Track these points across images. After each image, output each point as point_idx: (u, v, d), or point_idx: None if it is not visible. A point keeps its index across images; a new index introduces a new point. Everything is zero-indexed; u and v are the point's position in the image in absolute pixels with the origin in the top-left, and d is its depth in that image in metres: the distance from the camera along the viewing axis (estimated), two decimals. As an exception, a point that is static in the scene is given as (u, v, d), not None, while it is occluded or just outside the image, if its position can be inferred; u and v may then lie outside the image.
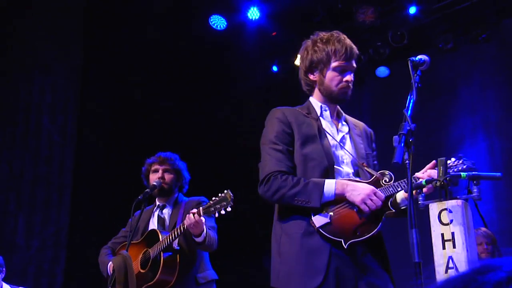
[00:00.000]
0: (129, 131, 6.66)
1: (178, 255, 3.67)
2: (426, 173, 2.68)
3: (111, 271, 3.60)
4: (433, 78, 6.50)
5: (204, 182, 4.62)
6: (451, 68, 6.52)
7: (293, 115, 2.84)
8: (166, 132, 6.61)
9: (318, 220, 2.63)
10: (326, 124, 2.85)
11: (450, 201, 2.41)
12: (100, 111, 6.60)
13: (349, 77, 2.79)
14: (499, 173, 2.58)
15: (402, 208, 2.71)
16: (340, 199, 2.65)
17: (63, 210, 6.51)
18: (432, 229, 2.44)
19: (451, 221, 2.40)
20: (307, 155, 2.73)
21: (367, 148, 2.91)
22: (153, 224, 3.98)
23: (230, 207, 3.40)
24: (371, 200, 2.59)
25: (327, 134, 2.81)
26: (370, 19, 6.21)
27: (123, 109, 6.67)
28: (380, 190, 2.64)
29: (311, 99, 2.91)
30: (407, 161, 2.29)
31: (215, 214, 3.42)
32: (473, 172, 2.46)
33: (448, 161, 2.74)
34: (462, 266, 2.35)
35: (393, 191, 2.67)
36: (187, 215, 3.51)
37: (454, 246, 2.37)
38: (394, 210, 2.63)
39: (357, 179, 2.76)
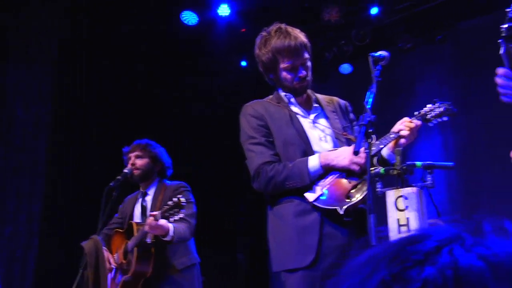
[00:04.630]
0: (103, 122, 6.58)
1: (153, 248, 3.64)
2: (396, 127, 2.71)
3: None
4: (393, 76, 6.60)
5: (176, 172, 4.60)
6: (410, 66, 6.63)
7: (263, 107, 2.83)
8: (139, 123, 6.55)
9: (311, 196, 2.63)
10: (297, 109, 2.84)
11: (405, 188, 2.47)
12: (74, 103, 6.51)
13: (302, 73, 2.75)
14: (452, 163, 2.65)
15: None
16: (327, 170, 2.66)
17: (36, 199, 6.41)
18: (389, 214, 2.50)
19: (407, 207, 2.45)
20: (285, 141, 2.73)
21: (344, 121, 2.90)
22: (137, 212, 3.94)
23: (182, 213, 3.40)
24: (358, 158, 2.58)
25: (300, 118, 2.80)
26: (335, 18, 6.26)
27: (97, 101, 6.59)
28: None
29: (279, 90, 2.89)
30: (367, 151, 2.34)
31: (170, 219, 3.39)
32: (427, 162, 2.53)
33: (425, 108, 2.80)
34: (416, 249, 2.41)
35: (377, 150, 2.68)
36: (147, 219, 3.46)
37: (408, 231, 2.43)
38: (381, 167, 2.57)
39: (337, 148, 2.76)
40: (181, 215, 3.40)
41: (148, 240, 3.56)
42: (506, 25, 1.88)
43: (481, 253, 0.62)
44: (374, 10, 6.25)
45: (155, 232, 3.46)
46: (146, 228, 3.43)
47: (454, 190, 6.07)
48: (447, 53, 6.38)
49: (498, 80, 1.97)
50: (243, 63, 6.98)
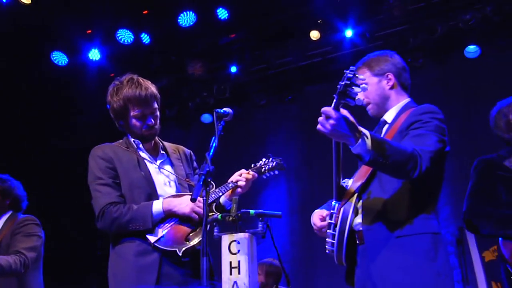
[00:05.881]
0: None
1: None
2: (234, 177, 2.79)
3: None
4: (248, 128, 6.83)
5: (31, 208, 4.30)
6: (263, 121, 6.91)
7: (113, 151, 2.79)
8: (4, 158, 6.05)
9: (152, 238, 2.61)
10: (144, 154, 2.83)
11: (239, 234, 2.53)
12: None
13: (150, 121, 2.77)
14: (280, 212, 2.77)
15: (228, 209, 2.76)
16: (169, 215, 2.66)
17: None
18: (223, 257, 2.53)
19: (239, 251, 2.50)
20: (131, 184, 2.70)
21: (187, 169, 2.93)
22: None
23: None
24: (198, 207, 2.62)
25: (147, 163, 2.79)
26: (198, 72, 6.38)
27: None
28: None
29: (128, 136, 2.88)
30: (204, 198, 2.36)
31: None
32: (259, 210, 2.61)
33: (260, 162, 2.90)
34: (244, 289, 2.45)
35: (215, 197, 2.74)
36: None
37: (239, 273, 2.47)
38: (218, 213, 2.62)
39: (180, 193, 2.77)
40: None
41: None
42: (343, 83, 2.04)
43: None
44: (233, 69, 6.48)
45: None
46: None
47: (295, 234, 6.31)
48: (294, 112, 6.74)
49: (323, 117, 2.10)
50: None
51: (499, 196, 2.87)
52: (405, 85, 2.60)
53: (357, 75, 2.07)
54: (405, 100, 2.57)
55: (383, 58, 2.60)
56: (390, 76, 2.55)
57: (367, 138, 2.10)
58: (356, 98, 2.08)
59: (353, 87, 2.05)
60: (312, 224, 2.59)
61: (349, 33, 5.93)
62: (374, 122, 2.67)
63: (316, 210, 2.64)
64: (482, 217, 2.89)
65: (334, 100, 2.08)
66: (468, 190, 3.01)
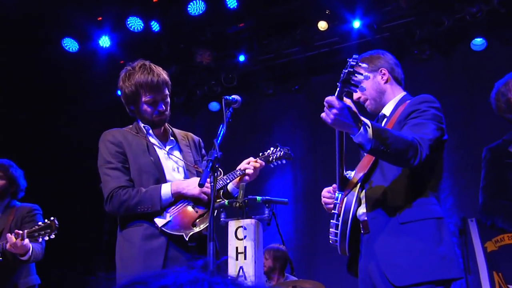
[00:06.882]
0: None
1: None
2: (243, 165, 2.78)
3: None
4: (255, 116, 6.80)
5: (41, 192, 4.29)
6: (270, 110, 6.87)
7: (123, 136, 2.77)
8: (12, 144, 6.05)
9: (160, 221, 2.59)
10: (154, 140, 2.80)
11: (245, 220, 2.51)
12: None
13: (161, 107, 2.73)
14: (286, 199, 2.75)
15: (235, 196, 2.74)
16: (178, 198, 2.63)
17: None
18: (229, 242, 2.52)
19: (245, 237, 2.49)
20: (140, 169, 2.67)
21: (196, 155, 2.90)
22: None
23: (54, 234, 3.22)
24: (207, 188, 2.59)
25: (156, 148, 2.76)
26: (206, 61, 6.33)
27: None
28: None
29: (139, 121, 2.85)
30: (211, 184, 2.34)
31: (38, 239, 3.19)
32: (266, 197, 2.59)
33: (268, 150, 2.87)
34: (250, 274, 2.44)
35: (223, 183, 2.71)
36: (8, 235, 3.21)
37: (245, 258, 2.46)
38: (225, 200, 2.62)
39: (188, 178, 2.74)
40: (52, 236, 3.18)
41: None
42: (346, 70, 2.00)
43: None
44: (241, 58, 6.42)
45: (17, 251, 3.21)
46: (8, 246, 3.15)
47: (299, 221, 6.30)
48: (301, 101, 6.69)
49: (326, 106, 2.07)
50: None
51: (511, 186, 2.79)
52: (398, 79, 2.63)
53: (360, 63, 2.03)
54: (402, 93, 2.60)
55: (375, 56, 2.64)
56: (384, 71, 2.59)
57: (369, 127, 2.09)
58: (360, 86, 2.05)
59: (356, 75, 2.02)
60: (322, 195, 2.61)
61: (356, 24, 5.86)
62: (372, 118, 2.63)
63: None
64: (496, 212, 2.80)
65: (338, 88, 2.05)
66: (481, 183, 2.91)
